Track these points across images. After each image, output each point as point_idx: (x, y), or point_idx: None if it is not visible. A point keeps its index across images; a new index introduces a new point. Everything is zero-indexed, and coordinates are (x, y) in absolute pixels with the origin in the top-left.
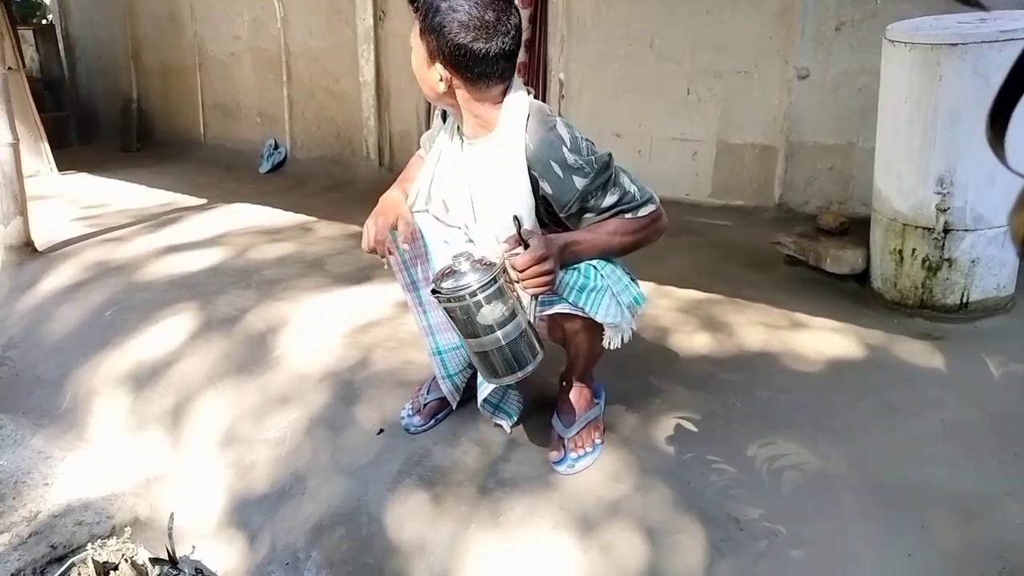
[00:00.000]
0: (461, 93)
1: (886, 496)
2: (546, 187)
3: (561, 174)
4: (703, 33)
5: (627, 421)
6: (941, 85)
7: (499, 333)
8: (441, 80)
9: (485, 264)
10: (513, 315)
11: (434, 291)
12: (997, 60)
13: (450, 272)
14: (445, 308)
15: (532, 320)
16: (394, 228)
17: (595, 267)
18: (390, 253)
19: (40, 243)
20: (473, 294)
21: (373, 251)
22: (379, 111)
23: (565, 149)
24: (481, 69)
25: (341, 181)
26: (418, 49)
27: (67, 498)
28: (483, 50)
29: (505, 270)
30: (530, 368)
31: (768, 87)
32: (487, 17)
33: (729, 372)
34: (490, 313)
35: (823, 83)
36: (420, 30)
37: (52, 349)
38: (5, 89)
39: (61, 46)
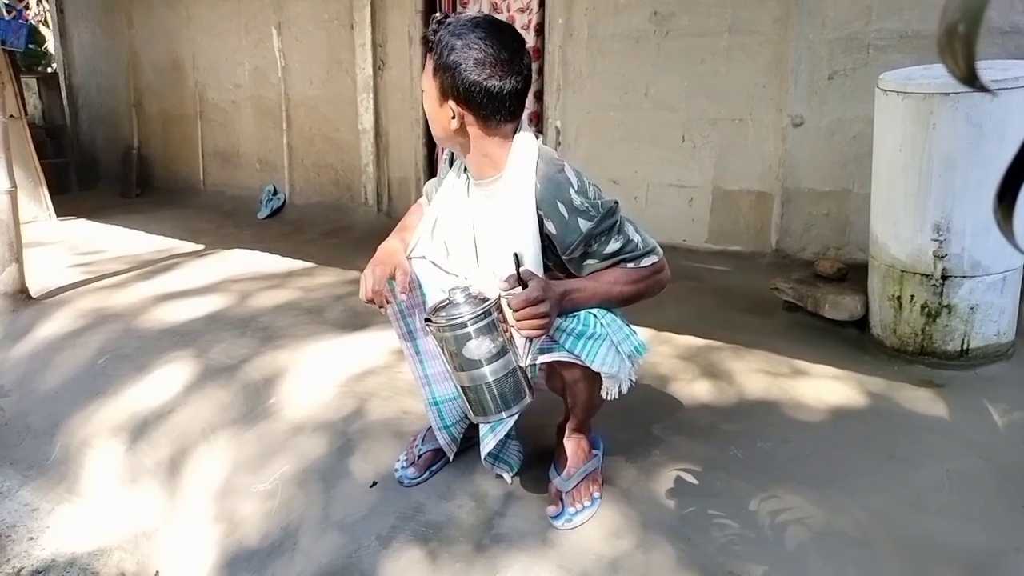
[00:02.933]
0: (472, 130)
1: (892, 552)
2: (550, 227)
3: (566, 215)
4: (698, 82)
5: (626, 473)
6: (935, 133)
7: (486, 369)
8: (453, 117)
9: (480, 298)
10: (503, 353)
11: (427, 320)
12: (989, 109)
13: (446, 304)
14: (435, 338)
15: (525, 364)
16: (392, 278)
17: (595, 315)
18: (388, 302)
19: (35, 290)
20: (464, 325)
21: (371, 301)
22: (378, 158)
23: (572, 191)
24: (493, 106)
25: (339, 227)
26: (431, 88)
27: (52, 553)
28: (497, 87)
29: (500, 308)
30: (515, 409)
31: (763, 134)
32: (502, 56)
33: (730, 421)
34: (477, 347)
35: (817, 130)
36: (434, 68)
37: (44, 398)
38: (5, 137)
39: (64, 94)
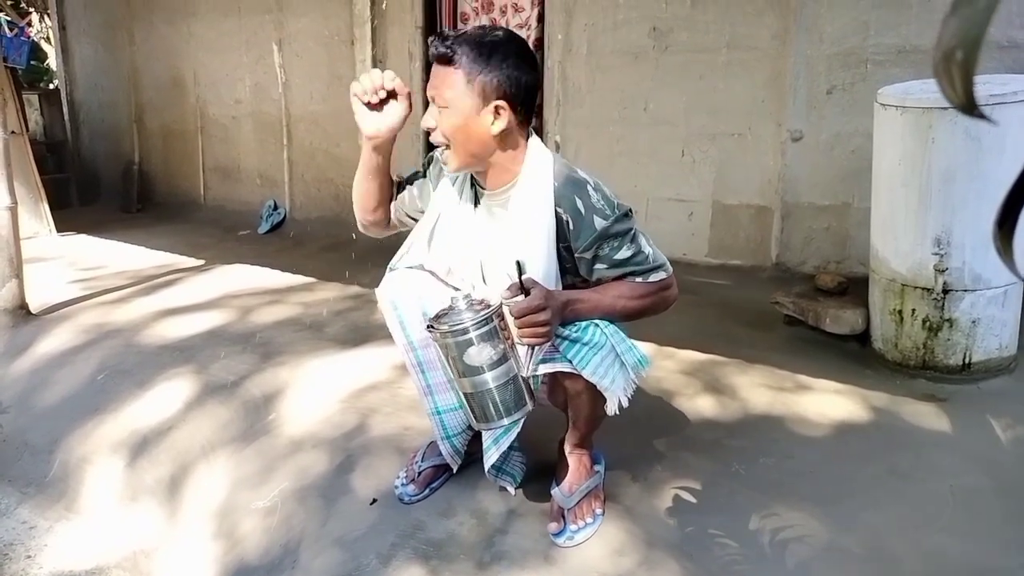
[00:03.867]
0: (509, 132)
1: (896, 569)
2: (568, 221)
3: (583, 210)
4: (697, 97)
5: (629, 490)
6: (934, 147)
7: (488, 375)
8: (495, 121)
9: (482, 305)
10: (504, 360)
11: (429, 326)
12: (988, 123)
13: (448, 310)
14: (437, 344)
15: (526, 373)
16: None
17: (597, 324)
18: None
19: (35, 306)
20: (465, 331)
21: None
22: None
23: (590, 188)
24: (530, 101)
25: (340, 242)
26: (462, 100)
27: (50, 571)
28: (532, 81)
29: (502, 316)
30: (517, 416)
31: (762, 149)
32: (525, 51)
33: (732, 437)
34: (479, 354)
35: (816, 145)
36: (468, 74)
37: (43, 415)
38: (7, 153)
39: (65, 110)
